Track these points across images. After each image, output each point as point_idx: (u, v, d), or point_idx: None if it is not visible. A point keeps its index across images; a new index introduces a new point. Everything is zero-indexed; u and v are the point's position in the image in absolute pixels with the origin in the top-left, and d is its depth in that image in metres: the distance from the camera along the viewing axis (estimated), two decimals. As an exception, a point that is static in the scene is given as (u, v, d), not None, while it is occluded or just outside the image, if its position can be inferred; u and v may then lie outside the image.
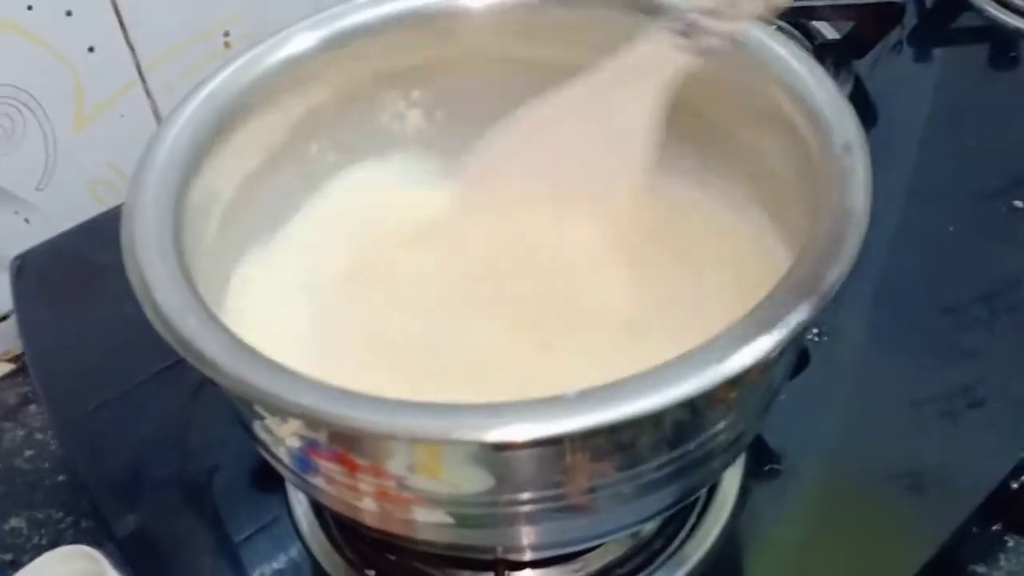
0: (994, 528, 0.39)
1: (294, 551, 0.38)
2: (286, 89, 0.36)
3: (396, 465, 0.28)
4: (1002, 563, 0.39)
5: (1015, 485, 0.38)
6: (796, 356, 0.33)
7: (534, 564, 0.35)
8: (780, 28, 0.51)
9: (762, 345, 0.25)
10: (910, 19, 0.59)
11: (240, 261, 0.36)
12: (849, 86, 0.54)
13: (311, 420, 0.25)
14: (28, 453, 0.46)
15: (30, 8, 0.44)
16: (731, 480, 0.38)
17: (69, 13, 0.45)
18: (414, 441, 0.25)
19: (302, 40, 0.36)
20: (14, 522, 0.43)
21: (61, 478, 0.45)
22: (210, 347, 0.26)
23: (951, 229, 0.47)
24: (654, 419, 0.27)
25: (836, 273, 0.27)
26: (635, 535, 0.36)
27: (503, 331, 0.35)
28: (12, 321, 0.50)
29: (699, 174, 0.38)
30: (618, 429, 0.26)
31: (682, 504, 0.32)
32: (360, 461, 0.28)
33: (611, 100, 0.35)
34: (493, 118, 0.38)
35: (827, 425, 0.40)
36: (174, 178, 0.31)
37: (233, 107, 0.34)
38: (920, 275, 0.46)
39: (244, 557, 0.38)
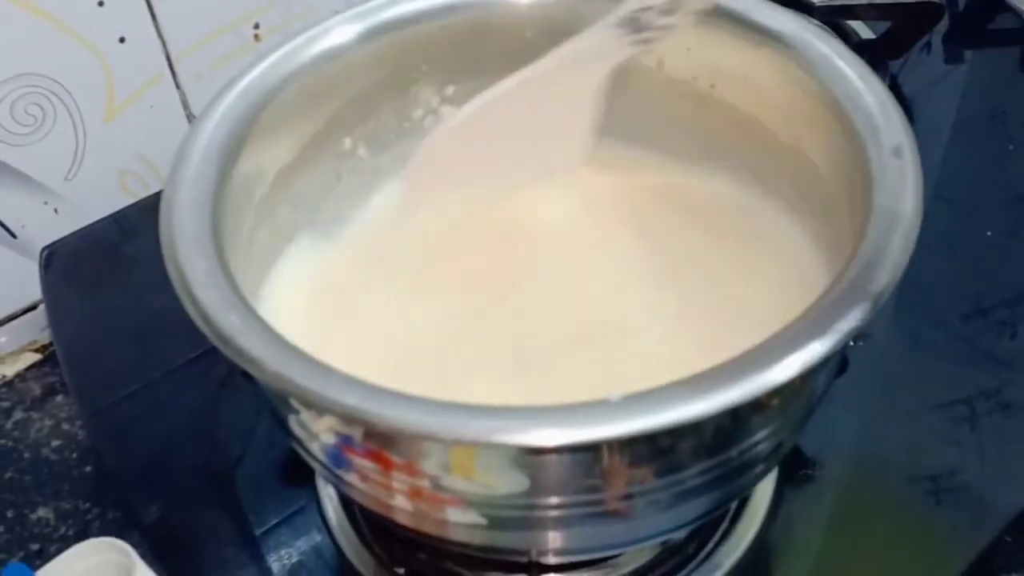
0: (1029, 537, 0.39)
1: (321, 545, 0.37)
2: (322, 83, 0.35)
3: (431, 465, 0.27)
4: (1035, 573, 0.38)
5: (1053, 495, 0.37)
6: (838, 363, 0.33)
7: (565, 567, 0.35)
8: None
9: (813, 351, 0.25)
10: (943, 19, 0.58)
11: (275, 257, 0.36)
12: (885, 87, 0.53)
13: (353, 419, 0.25)
14: (55, 443, 0.46)
15: (62, -3, 0.44)
16: (764, 486, 0.37)
17: (101, 3, 0.45)
18: (456, 443, 0.25)
19: (339, 34, 0.36)
20: (41, 512, 0.43)
21: (88, 468, 0.45)
22: (252, 344, 0.25)
23: (988, 234, 0.47)
24: (697, 426, 0.26)
25: (887, 278, 0.26)
26: (667, 540, 0.36)
27: (553, 334, 0.34)
28: (39, 312, 0.50)
29: (742, 176, 0.37)
30: (661, 435, 0.26)
31: (719, 512, 0.32)
32: (395, 459, 0.28)
33: (554, 86, 0.36)
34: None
35: (861, 431, 0.40)
36: (211, 173, 0.31)
37: (269, 101, 0.33)
38: (957, 280, 0.45)
39: (269, 549, 0.37)
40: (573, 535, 0.30)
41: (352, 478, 0.30)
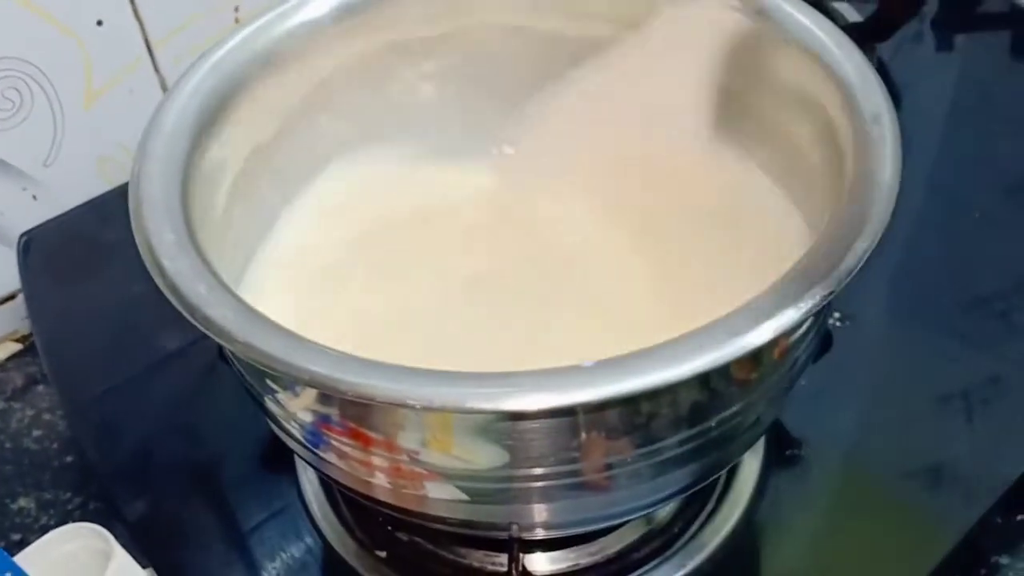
0: (1019, 518, 0.39)
1: (305, 533, 0.37)
2: (296, 59, 0.35)
3: (409, 439, 0.27)
4: (1026, 552, 0.38)
5: (1042, 474, 0.37)
6: (819, 338, 0.32)
7: (549, 545, 0.35)
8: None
9: (786, 318, 0.25)
10: (931, 4, 0.58)
11: (258, 239, 0.36)
12: (872, 70, 0.53)
13: (322, 387, 0.24)
14: (36, 433, 0.46)
15: (37, -20, 0.44)
16: (750, 465, 0.37)
17: (78, -14, 0.45)
18: (428, 410, 0.24)
19: (313, 8, 0.36)
20: (22, 502, 0.43)
21: (69, 459, 0.44)
22: (219, 313, 0.25)
23: (976, 216, 0.47)
24: (672, 392, 0.26)
25: (863, 246, 0.26)
26: (652, 519, 0.36)
27: (518, 310, 0.34)
28: (19, 301, 0.50)
29: (719, 146, 0.37)
30: (636, 401, 0.25)
31: (700, 485, 0.32)
32: (373, 435, 0.27)
33: (660, 68, 0.33)
34: (505, 92, 0.37)
35: (849, 412, 0.40)
36: (182, 146, 0.30)
37: (242, 76, 0.33)
38: (944, 263, 0.45)
39: (255, 539, 0.37)
40: (554, 509, 0.30)
41: (331, 457, 0.30)
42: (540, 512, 0.30)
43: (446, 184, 0.39)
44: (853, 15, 0.55)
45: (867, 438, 0.39)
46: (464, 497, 0.28)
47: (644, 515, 0.35)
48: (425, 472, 0.28)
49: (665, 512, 0.36)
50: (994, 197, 0.47)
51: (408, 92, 0.39)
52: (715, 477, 0.35)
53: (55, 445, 0.45)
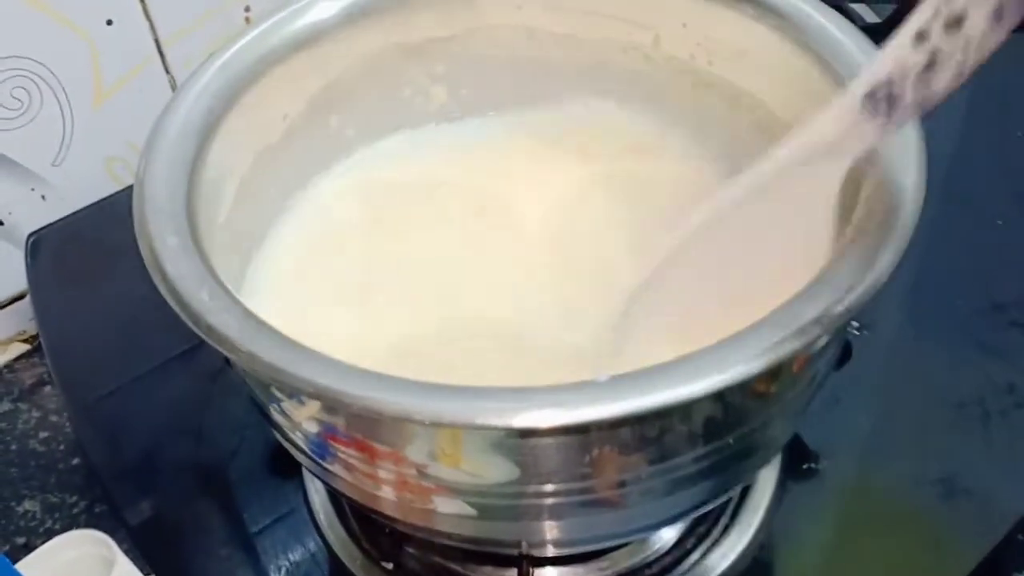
0: (1040, 535, 0.38)
1: (311, 541, 0.37)
2: (305, 60, 0.35)
3: (417, 452, 0.26)
4: (1046, 572, 0.37)
5: (1067, 491, 0.36)
6: (840, 349, 0.31)
7: (559, 561, 0.34)
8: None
9: (806, 334, 0.24)
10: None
11: (259, 237, 0.35)
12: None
13: (328, 400, 0.24)
14: (43, 435, 0.45)
15: (48, -22, 0.43)
16: (767, 479, 0.36)
17: (87, -16, 0.44)
18: (436, 426, 0.24)
19: (323, 9, 0.35)
20: (28, 505, 0.42)
21: (76, 461, 0.44)
22: (222, 321, 0.24)
23: (999, 223, 0.46)
24: (689, 409, 0.25)
25: (888, 258, 0.25)
26: (664, 534, 0.35)
27: (528, 317, 0.33)
28: (27, 301, 0.50)
29: (730, 153, 0.36)
30: (651, 418, 0.24)
31: (716, 503, 0.31)
32: (379, 447, 0.27)
33: (791, 192, 0.28)
34: (517, 95, 0.36)
35: (867, 424, 0.39)
36: (188, 148, 0.30)
37: (250, 77, 0.33)
38: (965, 270, 0.44)
39: (260, 546, 0.37)
40: (565, 526, 0.29)
41: (337, 469, 0.29)
42: (550, 529, 0.29)
43: (458, 188, 0.38)
44: (871, 16, 0.54)
45: (885, 451, 0.38)
46: (473, 512, 0.28)
47: (657, 532, 0.34)
48: (433, 486, 0.27)
49: (676, 525, 0.35)
50: (1013, 201, 0.47)
51: (419, 94, 0.38)
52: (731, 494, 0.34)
53: (61, 447, 0.45)
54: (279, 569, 0.36)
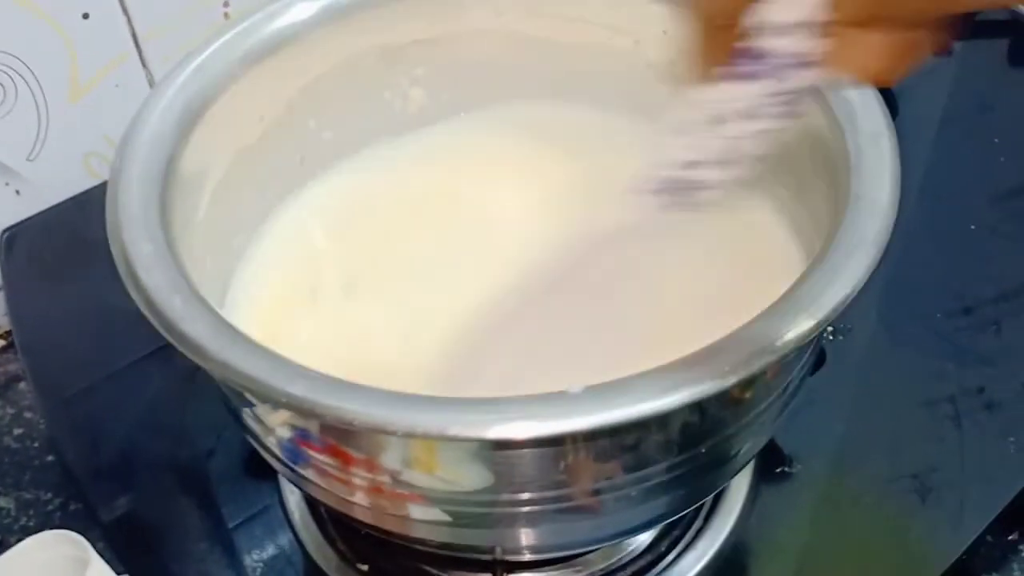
0: (1010, 537, 0.38)
1: (286, 542, 0.37)
2: (283, 61, 0.34)
3: (391, 459, 0.26)
4: (1015, 573, 0.38)
5: (1035, 494, 0.37)
6: (815, 357, 0.32)
7: (533, 566, 0.34)
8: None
9: (779, 347, 0.24)
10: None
11: (239, 244, 0.35)
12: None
13: (300, 410, 0.24)
14: (17, 432, 0.45)
15: (22, -29, 0.42)
16: (740, 483, 0.37)
17: (63, -24, 0.44)
18: (410, 436, 0.24)
19: (301, 10, 0.35)
20: (2, 502, 0.42)
21: (50, 458, 0.44)
22: (194, 329, 0.24)
23: (972, 228, 0.46)
24: (663, 420, 0.25)
25: (859, 271, 0.25)
26: (638, 537, 0.35)
27: (512, 322, 0.33)
28: (1, 296, 0.49)
29: None
30: (624, 429, 0.24)
31: (689, 509, 0.31)
32: (353, 454, 0.27)
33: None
34: (497, 98, 0.36)
35: (840, 428, 0.39)
36: (163, 150, 0.29)
37: (227, 77, 0.32)
38: (939, 274, 0.45)
39: (232, 547, 0.37)
40: (539, 532, 0.29)
41: (311, 474, 0.29)
42: (525, 535, 0.29)
43: (437, 192, 0.38)
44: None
45: (858, 454, 0.38)
46: (447, 519, 0.28)
47: (632, 537, 0.34)
48: (407, 493, 0.27)
49: (650, 531, 0.35)
50: (987, 206, 0.47)
51: (399, 97, 0.38)
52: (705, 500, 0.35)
53: (36, 444, 0.44)
54: (253, 570, 0.36)
